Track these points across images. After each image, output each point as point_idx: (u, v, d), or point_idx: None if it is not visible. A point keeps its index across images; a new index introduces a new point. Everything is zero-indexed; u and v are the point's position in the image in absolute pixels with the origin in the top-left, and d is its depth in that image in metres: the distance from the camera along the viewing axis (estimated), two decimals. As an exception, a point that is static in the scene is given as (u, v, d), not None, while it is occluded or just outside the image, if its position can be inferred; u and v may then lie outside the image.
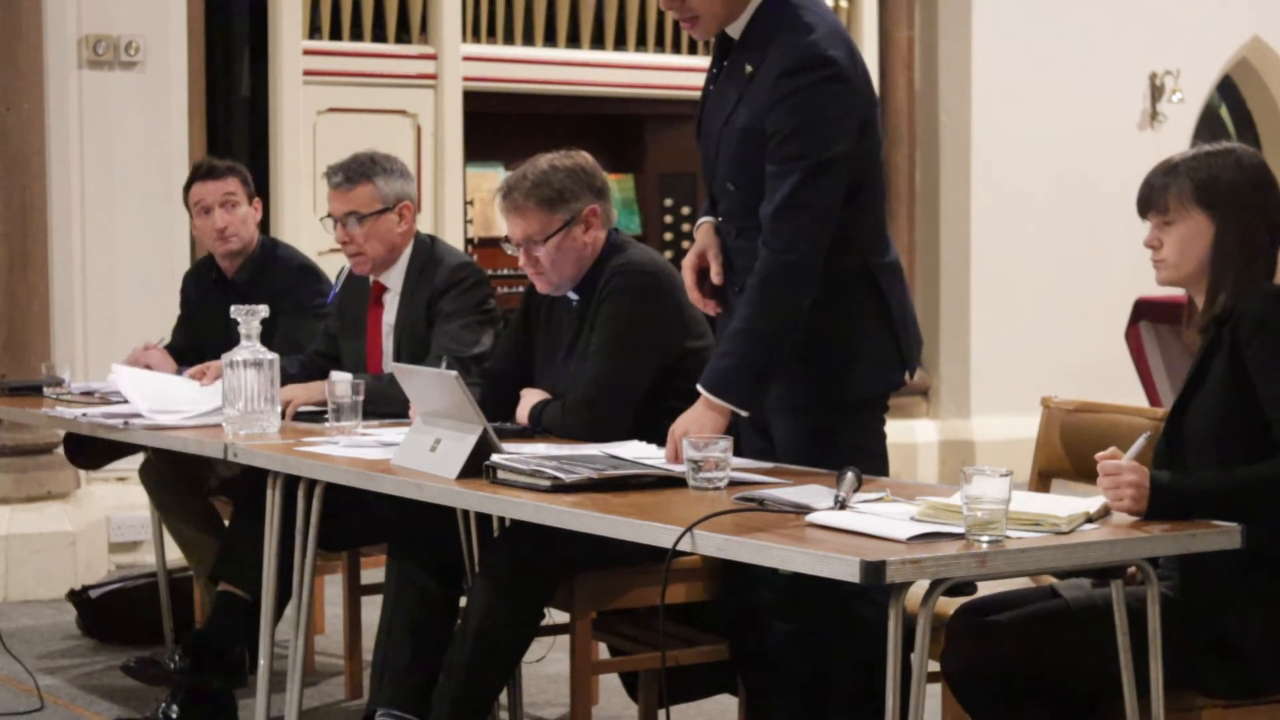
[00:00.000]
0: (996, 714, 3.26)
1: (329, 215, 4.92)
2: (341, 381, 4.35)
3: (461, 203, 7.79)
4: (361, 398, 4.31)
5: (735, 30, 3.86)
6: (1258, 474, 3.16)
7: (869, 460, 3.68)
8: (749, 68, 3.80)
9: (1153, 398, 7.44)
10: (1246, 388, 3.22)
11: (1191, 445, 3.28)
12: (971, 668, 3.25)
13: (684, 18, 3.86)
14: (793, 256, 3.70)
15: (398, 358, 4.78)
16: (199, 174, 5.53)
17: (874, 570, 2.78)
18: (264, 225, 5.75)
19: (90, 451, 5.47)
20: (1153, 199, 3.37)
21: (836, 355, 3.81)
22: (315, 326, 5.22)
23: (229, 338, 4.43)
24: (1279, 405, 3.18)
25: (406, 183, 4.92)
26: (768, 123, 3.73)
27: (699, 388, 3.78)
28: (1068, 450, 4.13)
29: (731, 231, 3.90)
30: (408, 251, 4.90)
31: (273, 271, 5.43)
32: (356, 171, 4.88)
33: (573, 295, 4.35)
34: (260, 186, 7.00)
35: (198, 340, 5.48)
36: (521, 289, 4.64)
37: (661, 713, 4.28)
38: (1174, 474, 3.19)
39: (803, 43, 3.73)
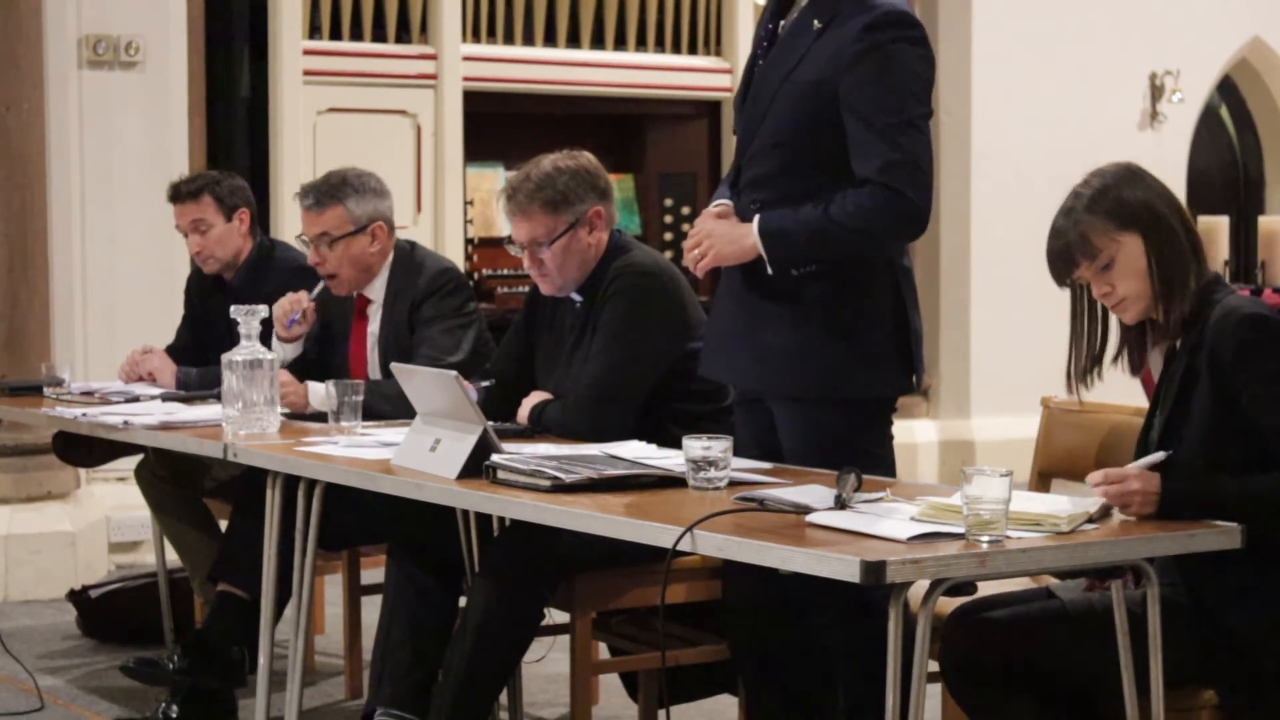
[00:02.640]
0: (992, 709, 3.25)
1: (302, 235, 4.93)
2: (316, 391, 4.35)
3: (461, 203, 7.78)
4: (361, 398, 4.30)
5: None
6: (1268, 485, 3.13)
7: (876, 466, 3.66)
8: (817, 23, 3.77)
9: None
10: (1234, 414, 3.18)
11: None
12: (967, 661, 3.24)
13: None
14: (912, 204, 3.74)
15: (384, 366, 4.78)
16: (169, 194, 5.50)
17: (874, 570, 2.78)
18: (264, 226, 5.72)
19: (87, 448, 5.46)
20: (1076, 250, 3.31)
21: (856, 349, 3.76)
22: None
23: (230, 340, 4.43)
24: None
25: (380, 201, 4.89)
26: (846, 77, 3.71)
27: (754, 222, 3.75)
28: (1068, 450, 4.12)
29: (755, 203, 3.82)
30: (388, 263, 4.90)
31: (269, 275, 5.41)
32: (326, 194, 4.86)
33: (576, 297, 4.34)
34: (260, 187, 7.02)
35: (200, 341, 5.48)
36: (522, 289, 4.64)
37: (661, 713, 4.28)
38: (1186, 482, 3.16)
39: (884, 1, 3.75)
